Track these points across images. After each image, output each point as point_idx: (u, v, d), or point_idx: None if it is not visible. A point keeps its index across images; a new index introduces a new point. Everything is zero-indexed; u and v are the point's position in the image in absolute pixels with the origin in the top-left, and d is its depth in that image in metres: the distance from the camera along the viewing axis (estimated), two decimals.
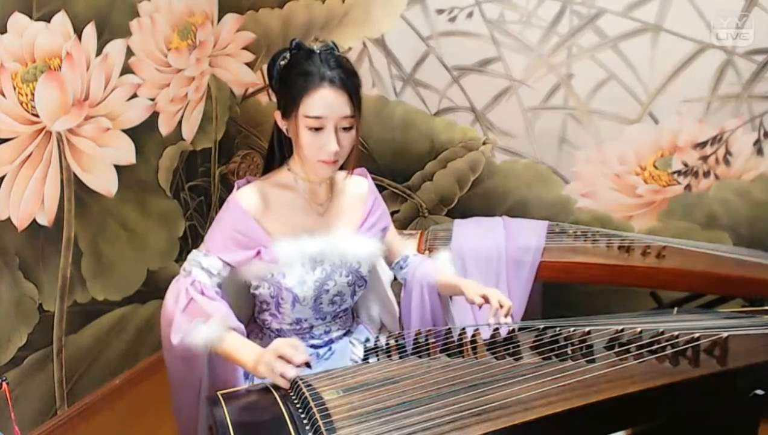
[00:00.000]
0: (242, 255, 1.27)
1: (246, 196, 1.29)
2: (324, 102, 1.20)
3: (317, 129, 1.22)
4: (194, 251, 1.30)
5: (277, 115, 1.30)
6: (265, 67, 1.36)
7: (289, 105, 1.24)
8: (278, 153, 1.36)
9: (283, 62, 1.27)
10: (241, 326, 1.25)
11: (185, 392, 1.30)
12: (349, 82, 1.22)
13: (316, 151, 1.23)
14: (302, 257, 1.29)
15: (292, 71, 1.24)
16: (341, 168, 1.31)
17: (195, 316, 1.20)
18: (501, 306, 1.27)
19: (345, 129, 1.24)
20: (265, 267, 1.28)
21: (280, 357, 1.08)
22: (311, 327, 1.38)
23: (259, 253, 1.27)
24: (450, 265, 1.50)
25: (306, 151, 1.24)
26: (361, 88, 1.26)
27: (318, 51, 1.24)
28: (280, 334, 1.38)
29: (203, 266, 1.26)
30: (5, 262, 1.84)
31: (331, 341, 1.40)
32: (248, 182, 1.35)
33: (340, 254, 1.33)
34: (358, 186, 1.44)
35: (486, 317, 1.29)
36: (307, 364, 1.10)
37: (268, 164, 1.39)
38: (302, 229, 1.31)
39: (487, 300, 1.29)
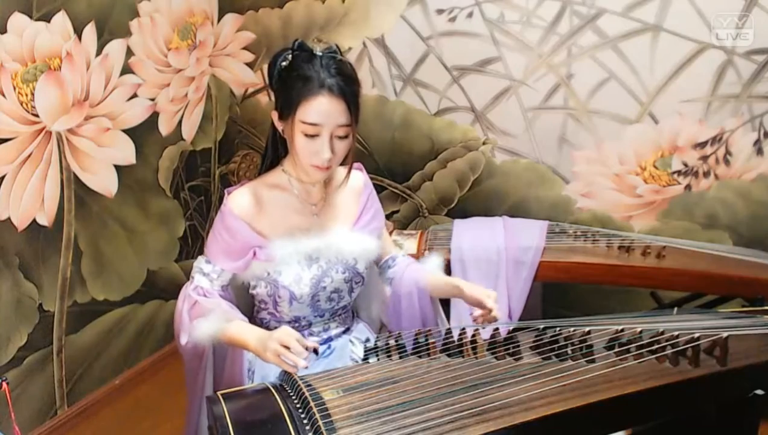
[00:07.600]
0: (238, 263, 1.29)
1: (237, 201, 1.29)
2: (321, 109, 1.20)
3: (312, 135, 1.22)
4: (199, 257, 1.34)
5: (274, 115, 1.30)
6: (265, 67, 1.36)
7: (286, 108, 1.24)
8: (272, 153, 1.37)
9: (284, 63, 1.26)
10: (245, 318, 1.29)
11: (194, 395, 1.35)
12: (348, 90, 1.22)
13: (309, 156, 1.24)
14: (298, 255, 1.30)
15: (292, 74, 1.24)
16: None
17: (199, 315, 1.26)
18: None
19: (340, 137, 1.24)
20: (262, 266, 1.30)
21: (284, 347, 1.10)
22: (309, 325, 1.38)
23: (255, 253, 1.28)
24: (440, 270, 1.49)
25: (300, 154, 1.25)
26: (360, 96, 1.26)
27: (320, 54, 1.24)
28: None
29: (204, 272, 1.31)
30: (5, 262, 1.84)
31: (330, 339, 1.40)
32: (241, 186, 1.34)
33: (336, 251, 1.34)
34: (353, 180, 1.44)
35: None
36: (315, 351, 1.14)
37: (265, 163, 1.39)
38: (297, 229, 1.32)
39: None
